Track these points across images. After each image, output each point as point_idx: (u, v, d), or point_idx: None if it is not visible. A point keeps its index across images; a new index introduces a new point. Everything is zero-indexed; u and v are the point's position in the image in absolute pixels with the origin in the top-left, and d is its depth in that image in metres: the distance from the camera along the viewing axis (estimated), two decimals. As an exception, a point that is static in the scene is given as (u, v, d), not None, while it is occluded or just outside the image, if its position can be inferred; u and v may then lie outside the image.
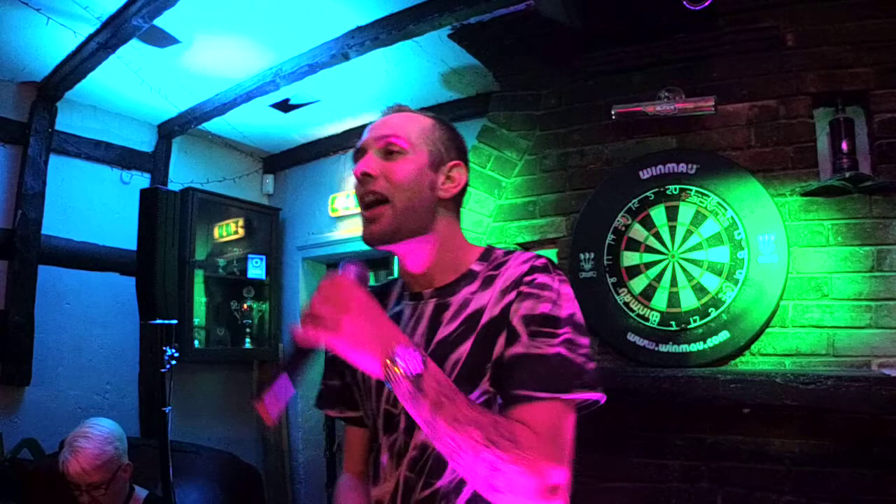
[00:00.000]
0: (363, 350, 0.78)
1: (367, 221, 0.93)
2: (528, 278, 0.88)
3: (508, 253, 0.98)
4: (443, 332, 0.92)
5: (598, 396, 0.84)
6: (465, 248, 1.01)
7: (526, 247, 2.43)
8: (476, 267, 0.97)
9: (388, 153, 0.95)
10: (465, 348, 0.88)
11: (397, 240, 0.93)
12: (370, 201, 0.93)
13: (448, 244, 0.98)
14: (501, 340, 0.86)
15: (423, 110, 1.07)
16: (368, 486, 1.00)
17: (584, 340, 0.86)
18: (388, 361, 0.76)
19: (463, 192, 1.03)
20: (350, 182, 3.76)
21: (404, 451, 0.91)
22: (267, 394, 0.80)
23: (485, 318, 0.89)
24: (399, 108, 1.04)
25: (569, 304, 0.87)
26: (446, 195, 0.98)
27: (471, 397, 0.81)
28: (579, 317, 0.88)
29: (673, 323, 2.13)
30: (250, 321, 3.76)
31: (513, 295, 0.88)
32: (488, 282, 0.93)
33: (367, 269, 0.88)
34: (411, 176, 0.93)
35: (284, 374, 0.82)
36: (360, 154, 0.98)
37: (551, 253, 2.41)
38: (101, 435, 1.86)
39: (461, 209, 1.05)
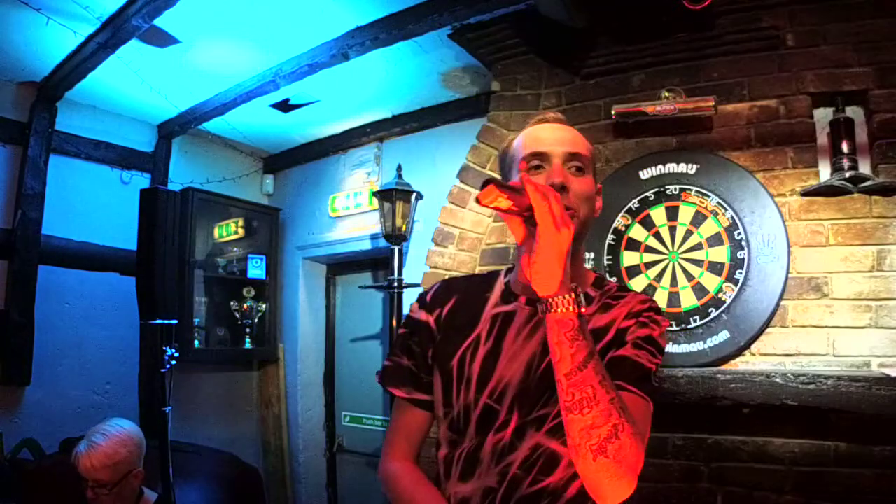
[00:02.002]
0: (555, 266, 0.82)
1: None
2: (647, 314, 1.01)
3: (623, 288, 1.07)
4: None
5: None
6: (584, 269, 1.09)
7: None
8: (591, 291, 1.05)
9: (577, 168, 1.02)
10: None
11: (573, 248, 0.98)
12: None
13: (579, 262, 1.07)
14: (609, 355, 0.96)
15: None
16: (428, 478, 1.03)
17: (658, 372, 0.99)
18: (570, 292, 0.82)
19: None
20: (350, 182, 3.76)
21: (510, 450, 0.95)
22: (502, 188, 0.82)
23: (604, 340, 0.97)
24: (558, 118, 1.09)
25: (664, 343, 1.02)
26: (596, 216, 1.08)
27: None
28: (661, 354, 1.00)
29: (673, 323, 2.13)
30: (250, 321, 3.76)
31: (632, 322, 0.99)
32: (605, 308, 1.02)
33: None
34: (591, 194, 1.03)
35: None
36: (540, 160, 1.01)
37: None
38: (118, 436, 1.86)
39: None
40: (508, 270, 1.13)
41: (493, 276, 1.14)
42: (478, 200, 0.83)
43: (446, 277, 1.13)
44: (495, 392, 0.97)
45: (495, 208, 0.84)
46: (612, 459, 0.80)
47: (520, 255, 0.95)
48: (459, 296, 1.10)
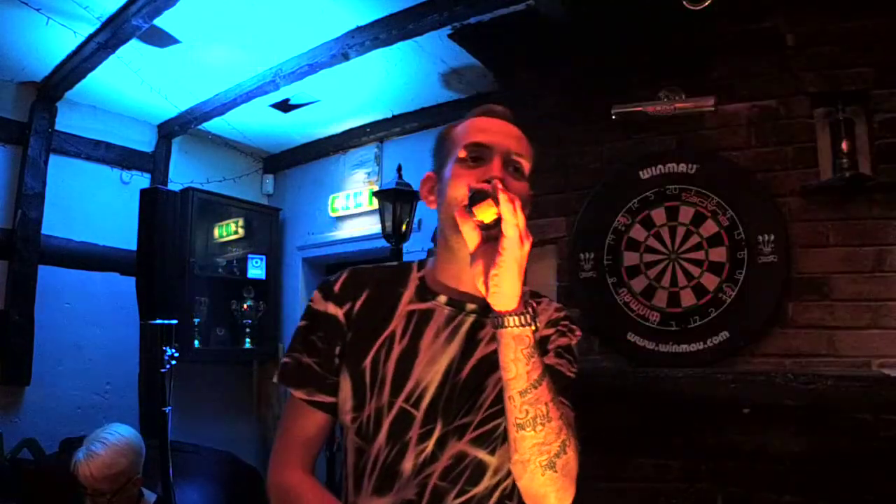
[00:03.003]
0: (516, 281, 0.80)
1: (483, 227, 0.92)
2: (564, 322, 1.00)
3: (535, 294, 1.03)
4: (483, 350, 0.94)
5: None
6: None
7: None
8: None
9: (515, 169, 0.95)
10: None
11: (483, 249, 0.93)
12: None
13: None
14: None
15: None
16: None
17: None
18: (528, 308, 0.81)
19: None
20: (350, 182, 3.76)
21: (431, 460, 0.89)
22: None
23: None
24: (505, 113, 1.05)
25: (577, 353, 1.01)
26: None
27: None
28: None
29: (673, 323, 2.13)
30: (250, 321, 3.76)
31: (552, 330, 0.98)
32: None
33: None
34: (526, 196, 0.94)
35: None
36: (483, 153, 0.94)
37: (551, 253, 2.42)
38: (117, 445, 1.84)
39: None
40: (420, 264, 1.04)
41: (404, 268, 1.05)
42: (471, 212, 0.81)
43: (352, 267, 1.05)
44: (412, 396, 0.90)
45: (478, 221, 0.81)
46: (560, 473, 0.81)
47: (472, 260, 0.84)
48: (371, 289, 0.99)
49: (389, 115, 3.47)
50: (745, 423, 1.91)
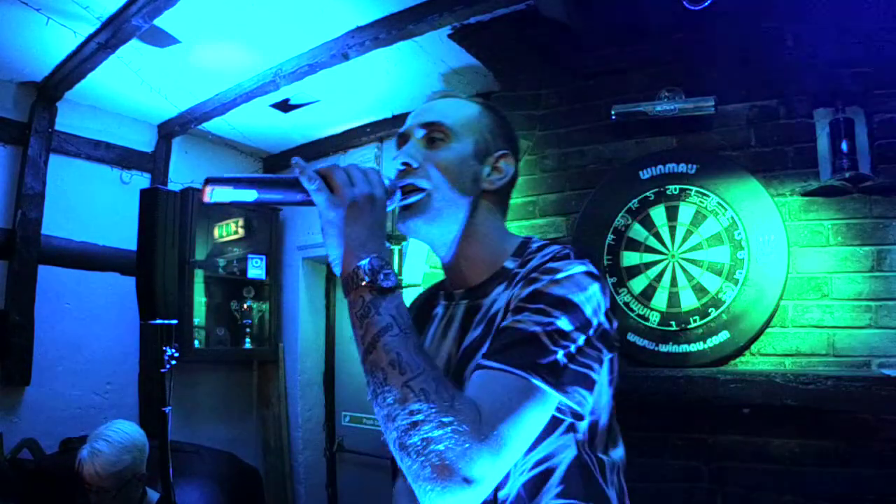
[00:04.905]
0: (347, 238, 0.76)
1: (403, 210, 0.90)
2: (543, 267, 0.79)
3: (543, 246, 0.87)
4: (469, 337, 0.85)
5: (563, 400, 0.73)
6: (503, 244, 0.92)
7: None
8: (510, 264, 0.89)
9: (431, 140, 0.90)
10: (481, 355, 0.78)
11: (431, 232, 0.90)
12: (408, 191, 0.88)
13: (485, 240, 0.91)
14: None
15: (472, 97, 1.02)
16: None
17: (576, 336, 0.74)
18: (363, 264, 0.74)
19: (510, 184, 0.96)
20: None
21: None
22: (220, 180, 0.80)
23: (499, 319, 0.81)
24: (445, 94, 0.97)
25: (574, 290, 0.76)
26: (491, 187, 0.92)
27: None
28: (586, 310, 0.75)
29: (673, 323, 2.13)
30: (250, 321, 3.76)
31: (520, 285, 0.80)
32: (514, 279, 0.84)
33: (397, 186, 0.87)
34: (453, 166, 0.88)
35: (250, 179, 0.82)
36: (402, 140, 0.93)
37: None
38: (121, 443, 1.85)
39: (508, 203, 0.98)
40: None
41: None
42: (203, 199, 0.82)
43: None
44: None
45: (236, 203, 0.82)
46: (415, 458, 0.64)
47: None
48: (426, 295, 1.03)
49: (389, 115, 3.47)
50: (745, 423, 1.91)
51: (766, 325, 2.01)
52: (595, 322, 0.77)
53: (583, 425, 0.81)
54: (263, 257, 3.79)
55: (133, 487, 1.86)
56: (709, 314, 2.09)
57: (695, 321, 2.10)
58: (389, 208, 0.84)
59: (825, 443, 1.83)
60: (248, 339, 3.75)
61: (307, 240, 3.94)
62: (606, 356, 0.80)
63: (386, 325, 0.70)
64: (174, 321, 2.36)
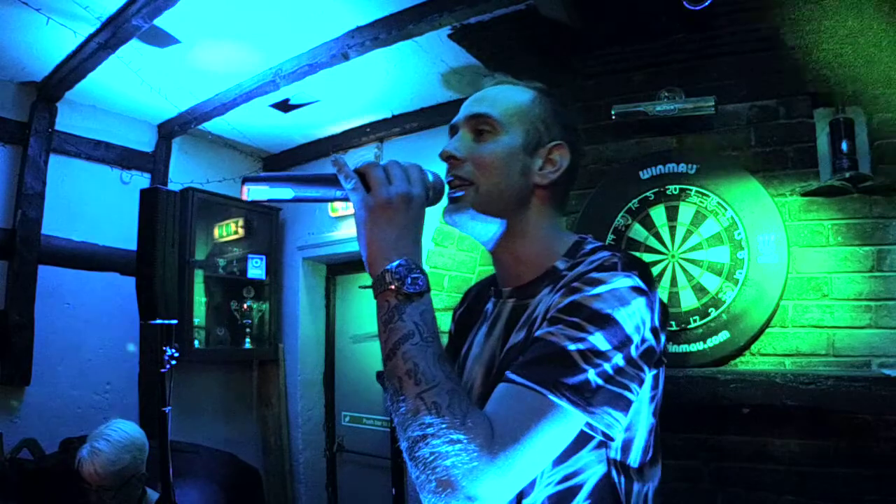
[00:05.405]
0: (377, 237, 0.74)
1: (449, 203, 0.88)
2: (588, 275, 0.75)
3: (595, 250, 0.84)
4: (512, 339, 0.82)
5: (589, 421, 0.69)
6: (555, 242, 0.88)
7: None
8: (560, 264, 0.85)
9: (479, 133, 0.87)
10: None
11: (476, 227, 0.87)
12: (454, 185, 0.87)
13: (535, 238, 0.88)
14: None
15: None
16: None
17: (612, 354, 0.70)
18: (391, 267, 0.72)
19: (567, 177, 0.90)
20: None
21: None
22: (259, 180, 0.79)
23: (537, 325, 0.77)
24: (499, 81, 0.93)
25: (616, 305, 0.71)
26: (543, 181, 0.87)
27: None
28: (626, 327, 0.71)
29: (673, 323, 2.13)
30: (250, 321, 3.76)
31: (561, 293, 0.76)
32: (559, 283, 0.81)
33: (443, 182, 0.85)
34: (499, 160, 0.85)
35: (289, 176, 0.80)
36: (452, 131, 0.91)
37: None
38: (121, 442, 1.85)
39: (565, 198, 0.93)
40: None
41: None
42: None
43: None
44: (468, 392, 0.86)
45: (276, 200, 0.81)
46: (423, 469, 0.64)
47: None
48: (475, 292, 1.04)
49: (389, 115, 3.47)
50: (745, 423, 1.91)
51: (766, 325, 2.01)
52: (637, 339, 0.72)
53: (616, 443, 0.77)
54: (263, 257, 3.79)
55: (133, 487, 1.86)
56: (709, 314, 2.09)
57: (695, 321, 2.10)
58: (438, 204, 0.83)
59: (825, 443, 1.83)
60: (247, 339, 3.75)
61: (307, 240, 3.94)
62: (650, 374, 0.76)
63: (408, 333, 0.70)
64: (174, 321, 2.36)
